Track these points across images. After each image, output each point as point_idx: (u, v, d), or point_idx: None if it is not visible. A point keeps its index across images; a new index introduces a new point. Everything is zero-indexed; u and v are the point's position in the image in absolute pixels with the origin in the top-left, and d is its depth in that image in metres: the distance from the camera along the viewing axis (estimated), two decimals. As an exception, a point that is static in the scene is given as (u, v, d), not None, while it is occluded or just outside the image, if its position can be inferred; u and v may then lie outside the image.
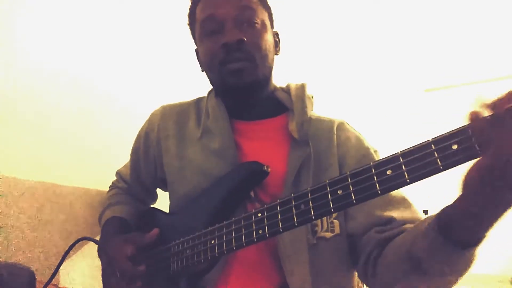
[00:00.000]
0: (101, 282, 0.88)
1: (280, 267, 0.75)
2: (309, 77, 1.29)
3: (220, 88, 0.86)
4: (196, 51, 0.93)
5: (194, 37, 0.91)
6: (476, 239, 0.50)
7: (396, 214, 0.73)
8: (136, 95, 1.32)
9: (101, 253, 0.88)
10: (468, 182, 0.46)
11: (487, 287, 3.74)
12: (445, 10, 2.94)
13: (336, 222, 0.77)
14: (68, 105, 1.09)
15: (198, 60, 0.93)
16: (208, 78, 0.89)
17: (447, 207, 0.52)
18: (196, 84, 1.52)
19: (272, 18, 0.91)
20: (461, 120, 0.46)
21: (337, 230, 0.76)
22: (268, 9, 0.89)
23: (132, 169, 1.01)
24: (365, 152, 0.83)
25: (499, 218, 0.46)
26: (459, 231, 0.49)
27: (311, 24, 2.48)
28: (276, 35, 0.92)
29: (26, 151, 0.98)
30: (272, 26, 0.90)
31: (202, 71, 0.91)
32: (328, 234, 0.76)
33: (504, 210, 0.45)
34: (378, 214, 0.74)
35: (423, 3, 2.81)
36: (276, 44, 0.91)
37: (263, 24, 0.84)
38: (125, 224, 0.93)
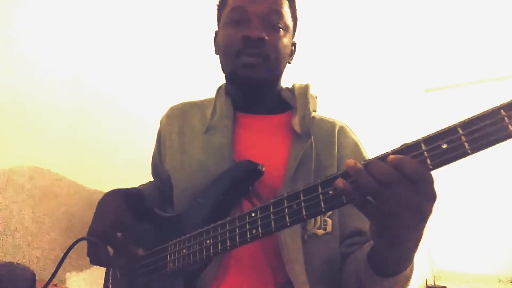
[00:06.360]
0: (102, 282, 0.88)
1: (276, 265, 0.77)
2: (310, 76, 1.29)
3: (229, 76, 0.89)
4: (216, 33, 0.96)
5: (219, 21, 0.93)
6: (400, 269, 0.61)
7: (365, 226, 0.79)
8: (137, 96, 1.33)
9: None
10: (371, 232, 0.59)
11: (487, 287, 3.75)
12: (445, 10, 2.94)
13: (329, 221, 0.79)
14: (68, 104, 1.09)
15: (215, 42, 0.96)
16: (220, 63, 0.92)
17: (373, 246, 0.64)
18: (198, 85, 1.52)
19: (295, 28, 0.94)
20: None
21: (329, 228, 0.79)
22: (295, 19, 0.92)
23: (153, 164, 1.05)
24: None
25: (412, 251, 0.58)
26: (384, 266, 0.62)
27: (311, 23, 2.48)
28: (294, 45, 0.95)
29: (26, 150, 0.98)
30: (293, 36, 0.93)
31: (216, 53, 0.95)
32: (320, 232, 0.78)
33: (410, 244, 0.56)
34: (355, 225, 0.80)
35: (423, 3, 2.81)
36: (291, 53, 0.94)
37: (286, 30, 0.87)
38: (139, 195, 0.94)
